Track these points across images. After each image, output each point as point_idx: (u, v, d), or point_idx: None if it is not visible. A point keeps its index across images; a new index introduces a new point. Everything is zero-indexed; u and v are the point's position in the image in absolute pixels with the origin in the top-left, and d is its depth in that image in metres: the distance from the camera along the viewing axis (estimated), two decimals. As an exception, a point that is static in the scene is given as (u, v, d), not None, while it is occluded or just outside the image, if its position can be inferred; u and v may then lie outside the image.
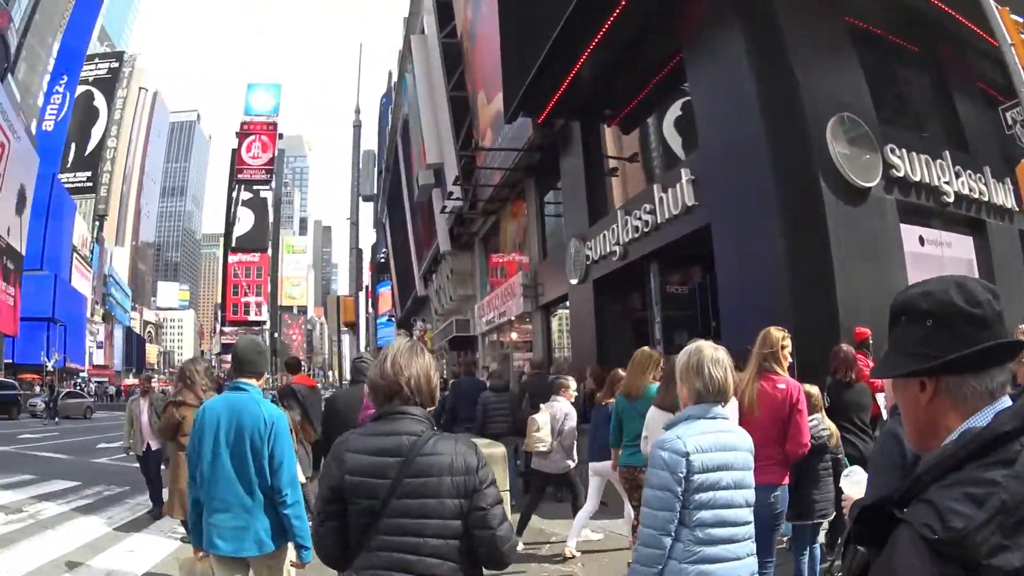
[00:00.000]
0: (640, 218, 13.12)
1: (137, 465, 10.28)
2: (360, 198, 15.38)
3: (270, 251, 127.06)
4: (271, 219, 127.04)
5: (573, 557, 7.44)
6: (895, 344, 1.44)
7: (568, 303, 17.66)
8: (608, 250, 14.40)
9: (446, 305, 32.84)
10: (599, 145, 16.66)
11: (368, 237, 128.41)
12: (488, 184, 22.56)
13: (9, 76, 52.18)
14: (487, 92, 22.86)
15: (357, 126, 15.72)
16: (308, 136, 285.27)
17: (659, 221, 12.50)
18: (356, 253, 14.74)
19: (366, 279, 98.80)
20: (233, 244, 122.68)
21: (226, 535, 4.01)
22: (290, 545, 4.20)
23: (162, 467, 8.94)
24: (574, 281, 16.22)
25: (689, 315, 13.73)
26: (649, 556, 3.05)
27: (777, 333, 5.09)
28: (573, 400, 8.69)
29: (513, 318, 22.15)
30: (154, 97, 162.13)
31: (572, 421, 8.26)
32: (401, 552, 2.43)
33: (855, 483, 2.87)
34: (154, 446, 9.57)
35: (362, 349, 14.95)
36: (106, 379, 63.98)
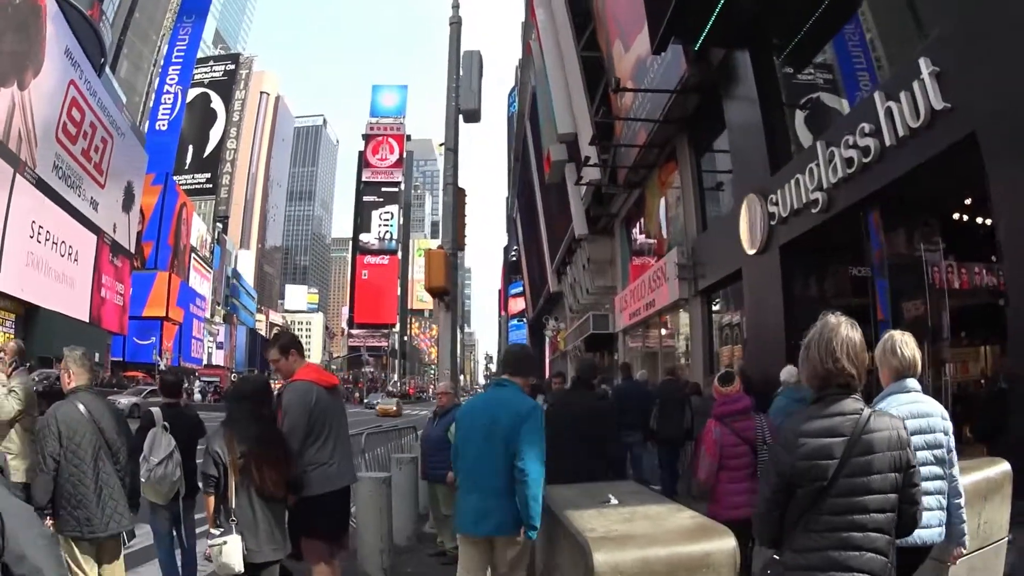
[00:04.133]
0: (855, 145, 9.11)
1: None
2: (460, 115, 11.63)
3: (400, 254, 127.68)
4: (400, 221, 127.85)
5: None
6: None
7: (743, 282, 13.52)
8: (805, 200, 10.37)
9: (581, 300, 29.35)
10: (774, 79, 12.67)
11: (500, 238, 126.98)
12: (632, 144, 18.65)
13: (109, 72, 52.61)
14: (624, 40, 19.15)
15: (455, 23, 11.97)
16: (437, 140, 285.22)
17: (887, 144, 8.47)
18: (454, 191, 11.03)
19: (497, 281, 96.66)
20: (361, 247, 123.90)
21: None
22: None
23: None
24: (751, 251, 12.22)
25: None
26: None
27: None
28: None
29: (662, 308, 18.24)
30: (276, 102, 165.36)
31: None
32: (848, 531, 2.49)
33: None
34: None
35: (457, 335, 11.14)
36: (217, 379, 63.64)
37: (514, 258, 68.97)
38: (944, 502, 3.59)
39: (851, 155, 9.22)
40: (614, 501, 4.54)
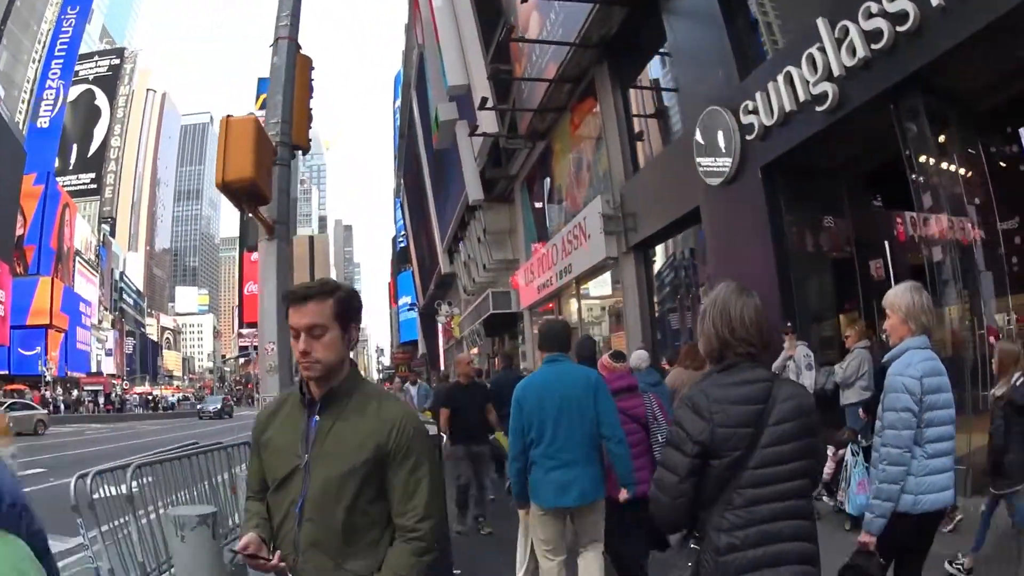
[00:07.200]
0: (882, 13, 6.50)
1: None
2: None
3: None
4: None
5: None
6: None
7: (703, 224, 10.73)
8: (803, 98, 7.71)
9: (478, 278, 26.35)
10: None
11: (388, 228, 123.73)
12: (539, 79, 15.69)
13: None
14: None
15: None
16: (325, 135, 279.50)
17: (934, 3, 5.91)
18: (289, 49, 6.67)
19: (386, 273, 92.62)
20: (248, 244, 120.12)
21: None
22: None
23: None
24: (715, 180, 9.50)
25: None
26: (895, 474, 3.25)
27: None
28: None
29: (583, 273, 15.47)
30: (163, 99, 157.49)
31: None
32: (774, 501, 2.25)
33: None
34: None
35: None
36: (100, 387, 59.05)
37: (403, 243, 65.31)
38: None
39: (876, 26, 6.64)
40: None
